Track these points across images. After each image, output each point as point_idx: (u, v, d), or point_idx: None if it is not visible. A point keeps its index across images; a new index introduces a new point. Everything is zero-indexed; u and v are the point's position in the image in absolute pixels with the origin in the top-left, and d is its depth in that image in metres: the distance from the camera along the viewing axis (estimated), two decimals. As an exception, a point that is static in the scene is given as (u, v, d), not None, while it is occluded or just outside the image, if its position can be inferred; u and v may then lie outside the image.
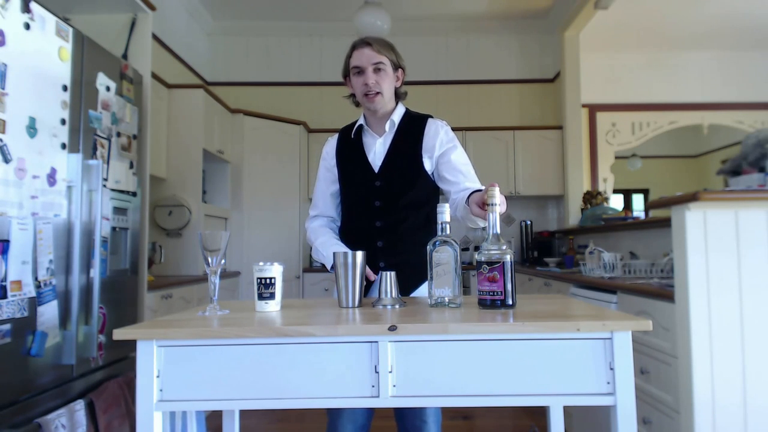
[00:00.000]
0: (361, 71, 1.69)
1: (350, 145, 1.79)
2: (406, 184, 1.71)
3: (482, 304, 1.26)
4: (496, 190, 1.27)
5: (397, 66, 1.73)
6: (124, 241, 2.44)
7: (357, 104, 1.79)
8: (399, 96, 1.78)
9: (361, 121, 1.79)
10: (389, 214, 1.70)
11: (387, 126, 1.74)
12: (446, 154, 1.73)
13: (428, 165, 1.74)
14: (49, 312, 1.84)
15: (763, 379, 1.75)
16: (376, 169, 1.72)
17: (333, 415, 1.67)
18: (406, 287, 1.64)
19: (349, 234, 1.77)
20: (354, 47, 1.71)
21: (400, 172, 1.71)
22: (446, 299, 1.31)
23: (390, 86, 1.72)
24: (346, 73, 1.75)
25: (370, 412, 1.72)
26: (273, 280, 1.32)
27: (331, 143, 1.86)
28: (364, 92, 1.69)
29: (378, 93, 1.68)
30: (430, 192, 1.76)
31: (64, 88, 1.96)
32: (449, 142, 1.75)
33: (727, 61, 5.76)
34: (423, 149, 1.73)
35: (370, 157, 1.74)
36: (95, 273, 2.07)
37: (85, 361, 2.05)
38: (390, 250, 1.67)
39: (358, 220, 1.76)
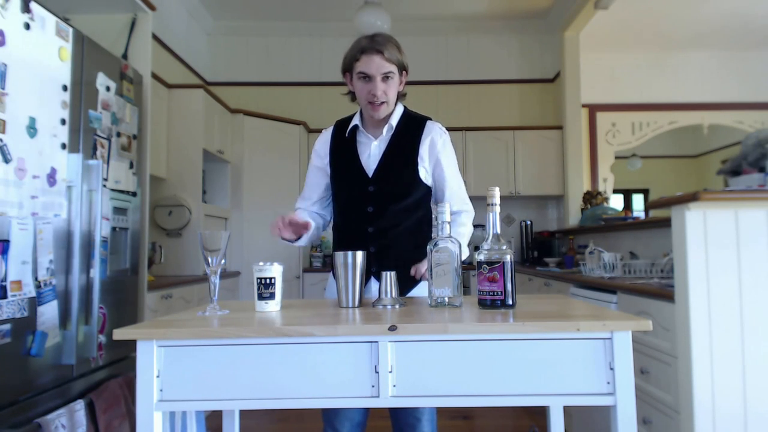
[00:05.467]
0: (368, 78, 1.62)
1: (344, 145, 1.75)
2: (400, 191, 1.69)
3: (482, 304, 1.26)
4: (496, 191, 1.29)
5: (403, 68, 1.68)
6: (124, 241, 2.44)
7: (353, 99, 1.75)
8: (399, 97, 1.74)
9: (357, 121, 1.74)
10: (381, 220, 1.68)
11: (384, 129, 1.71)
12: (439, 165, 1.73)
13: (423, 172, 1.72)
14: (49, 312, 1.84)
15: (763, 379, 1.75)
16: (370, 174, 1.70)
17: (329, 413, 1.67)
18: (400, 289, 1.64)
19: (342, 237, 1.76)
20: (363, 50, 1.60)
21: (394, 178, 1.69)
22: (446, 299, 1.31)
23: (395, 92, 1.68)
24: (347, 69, 1.68)
25: (367, 410, 1.72)
26: (273, 280, 1.32)
27: (325, 138, 1.81)
28: (370, 100, 1.64)
29: (384, 102, 1.65)
30: (423, 197, 1.75)
31: (64, 88, 1.96)
32: (446, 154, 1.74)
33: (727, 61, 5.76)
34: (419, 156, 1.71)
35: (364, 161, 1.71)
36: (95, 273, 2.07)
37: (85, 361, 2.05)
38: (382, 255, 1.66)
39: (349, 224, 1.74)
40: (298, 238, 1.67)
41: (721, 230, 1.79)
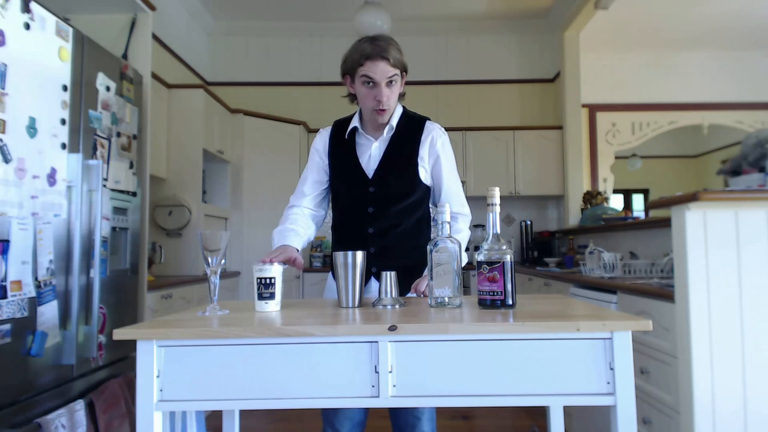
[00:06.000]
0: (373, 84, 1.61)
1: (343, 146, 1.75)
2: (401, 192, 1.69)
3: (482, 304, 1.26)
4: (496, 191, 1.29)
5: (404, 69, 1.68)
6: (124, 241, 2.44)
7: (353, 100, 1.75)
8: (398, 97, 1.73)
9: (356, 123, 1.74)
10: (382, 220, 1.68)
11: (385, 130, 1.71)
12: (438, 165, 1.73)
13: (423, 172, 1.72)
14: (49, 312, 1.84)
15: (763, 379, 1.75)
16: (370, 175, 1.70)
17: (329, 413, 1.67)
18: (400, 289, 1.64)
19: (341, 238, 1.75)
20: (368, 57, 1.59)
21: (395, 179, 1.69)
22: (446, 299, 1.31)
23: (397, 95, 1.68)
24: (348, 72, 1.67)
25: (367, 409, 1.72)
26: (273, 280, 1.32)
27: (324, 137, 1.80)
28: (376, 107, 1.63)
29: (388, 108, 1.65)
30: (423, 197, 1.75)
31: (64, 88, 1.96)
32: (446, 154, 1.74)
33: (727, 61, 5.76)
34: (419, 156, 1.71)
35: (364, 162, 1.71)
36: (95, 273, 2.07)
37: (85, 361, 2.05)
38: (383, 256, 1.66)
39: (349, 225, 1.74)
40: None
41: (721, 230, 1.79)
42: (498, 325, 1.09)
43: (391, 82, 1.62)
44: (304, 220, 1.75)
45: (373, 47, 1.60)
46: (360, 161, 1.72)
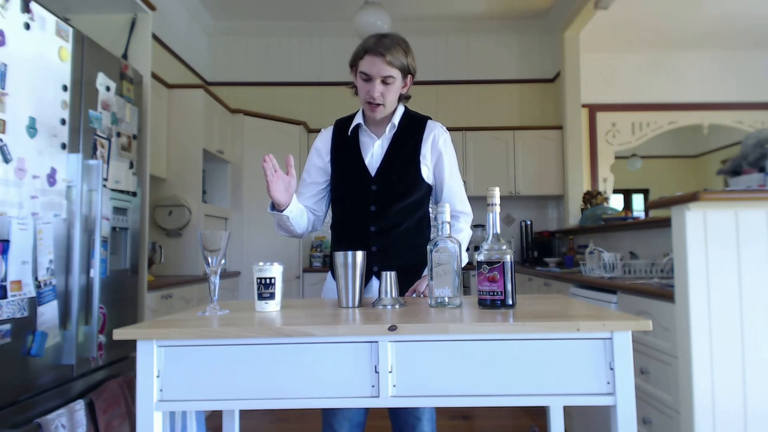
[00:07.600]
0: (368, 79, 1.63)
1: (346, 144, 1.75)
2: (403, 190, 1.70)
3: (482, 304, 1.26)
4: (496, 191, 1.29)
5: (407, 72, 1.67)
6: (124, 241, 2.44)
7: (356, 92, 1.75)
8: (402, 99, 1.74)
9: (359, 119, 1.74)
10: (384, 219, 1.68)
11: (387, 128, 1.72)
12: (440, 163, 1.73)
13: (425, 170, 1.72)
14: (49, 312, 1.84)
15: (763, 379, 1.75)
16: (373, 173, 1.70)
17: (328, 413, 1.67)
18: (400, 289, 1.64)
19: (343, 236, 1.75)
20: (367, 50, 1.61)
21: (397, 177, 1.69)
22: (446, 299, 1.31)
23: (395, 95, 1.68)
24: (352, 64, 1.69)
25: (366, 410, 1.72)
26: (273, 280, 1.32)
27: (325, 137, 1.81)
28: (367, 100, 1.65)
29: (380, 104, 1.65)
30: (425, 195, 1.75)
31: (64, 88, 1.96)
32: (448, 152, 1.75)
33: (727, 61, 5.76)
34: (422, 154, 1.71)
35: (367, 160, 1.72)
36: (95, 273, 2.07)
37: (85, 361, 2.05)
38: (384, 255, 1.66)
39: (351, 223, 1.74)
40: (285, 208, 1.61)
41: (721, 230, 1.79)
42: (498, 325, 1.09)
43: (386, 81, 1.63)
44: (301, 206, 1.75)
45: (375, 44, 1.61)
46: (363, 158, 1.72)
